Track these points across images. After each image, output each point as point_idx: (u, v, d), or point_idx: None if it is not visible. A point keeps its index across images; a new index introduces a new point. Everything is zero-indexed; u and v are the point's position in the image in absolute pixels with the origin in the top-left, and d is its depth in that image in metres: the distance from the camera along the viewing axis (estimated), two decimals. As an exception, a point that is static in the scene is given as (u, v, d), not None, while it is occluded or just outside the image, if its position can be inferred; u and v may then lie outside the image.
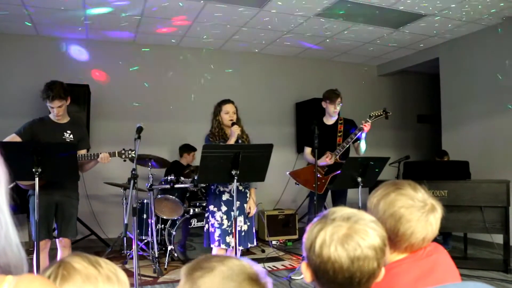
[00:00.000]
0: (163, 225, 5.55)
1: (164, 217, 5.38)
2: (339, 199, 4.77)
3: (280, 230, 6.84)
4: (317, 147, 4.23)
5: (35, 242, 3.19)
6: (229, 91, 6.69)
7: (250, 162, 3.36)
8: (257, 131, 6.93)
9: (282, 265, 5.30)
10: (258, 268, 1.07)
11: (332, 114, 4.79)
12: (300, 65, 7.74)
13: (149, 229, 5.15)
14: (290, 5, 5.25)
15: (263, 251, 6.07)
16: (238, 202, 3.68)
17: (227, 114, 3.81)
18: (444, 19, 5.71)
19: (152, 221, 5.00)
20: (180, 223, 5.31)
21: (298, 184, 4.97)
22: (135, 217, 3.77)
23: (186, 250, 5.61)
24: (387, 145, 7.88)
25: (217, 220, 3.70)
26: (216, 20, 5.77)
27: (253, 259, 4.19)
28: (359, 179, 4.00)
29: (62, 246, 3.69)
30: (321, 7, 5.30)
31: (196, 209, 5.31)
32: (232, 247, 3.63)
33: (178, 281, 1.10)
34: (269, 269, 5.10)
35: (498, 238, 4.97)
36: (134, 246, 3.56)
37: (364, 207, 1.50)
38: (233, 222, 3.47)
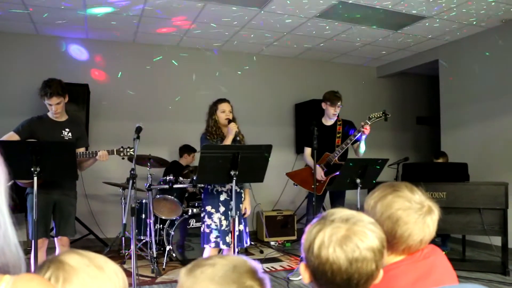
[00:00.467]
0: (161, 225, 5.54)
1: (163, 217, 5.38)
2: (338, 200, 4.77)
3: (278, 231, 6.84)
4: (316, 148, 4.23)
5: (33, 241, 3.18)
6: (229, 91, 6.70)
7: (249, 163, 3.36)
8: (256, 131, 6.97)
9: (281, 266, 5.30)
10: (257, 264, 1.08)
11: (331, 116, 4.79)
12: (299, 66, 7.74)
13: (148, 229, 5.15)
14: (290, 6, 5.25)
15: (261, 251, 6.07)
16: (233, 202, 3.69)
17: (223, 113, 3.81)
18: (444, 21, 5.71)
19: (151, 221, 5.00)
20: (179, 223, 5.31)
21: (296, 185, 4.98)
22: (133, 217, 3.77)
23: (185, 251, 5.61)
24: (386, 147, 7.89)
25: (214, 222, 3.68)
26: (216, 21, 5.77)
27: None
28: (358, 181, 4.01)
29: (61, 245, 3.69)
30: (321, 8, 5.30)
31: (195, 210, 5.31)
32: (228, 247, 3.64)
33: (176, 281, 1.10)
34: (268, 270, 5.10)
35: (497, 240, 4.97)
36: (132, 246, 3.56)
37: (362, 209, 1.50)
38: (232, 222, 3.47)
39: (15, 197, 1.07)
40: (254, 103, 7.39)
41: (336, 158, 4.63)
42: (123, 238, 5.58)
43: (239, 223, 3.73)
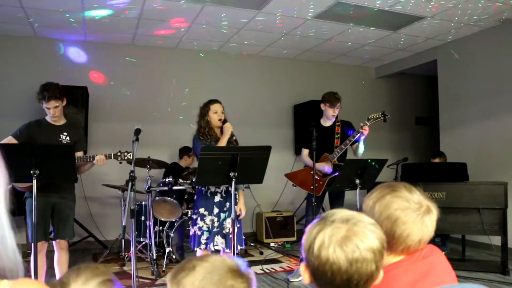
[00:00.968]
0: (161, 227, 5.54)
1: (162, 219, 5.37)
2: (337, 201, 4.77)
3: (278, 232, 6.84)
4: (315, 149, 4.23)
5: (32, 244, 3.18)
6: (228, 93, 6.71)
7: (249, 164, 3.36)
8: (255, 133, 6.98)
9: (280, 267, 5.30)
10: (239, 261, 1.09)
11: (330, 117, 4.79)
12: (298, 67, 7.75)
13: (147, 231, 5.14)
14: (288, 7, 5.26)
15: (261, 253, 6.07)
16: (228, 204, 3.68)
17: (216, 113, 3.77)
18: (442, 21, 5.72)
19: (150, 223, 4.99)
20: (178, 225, 5.31)
21: (295, 186, 4.97)
22: (133, 219, 3.77)
23: (184, 252, 5.61)
24: (385, 147, 7.89)
25: (206, 224, 3.65)
26: (214, 22, 5.77)
27: (251, 261, 4.21)
28: (357, 181, 4.01)
29: (59, 248, 3.68)
30: (319, 9, 5.31)
31: (194, 211, 5.30)
32: (222, 248, 3.63)
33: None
34: (268, 271, 5.10)
35: (496, 240, 4.98)
36: (132, 248, 3.56)
37: (362, 209, 1.50)
38: (232, 223, 3.46)
39: (14, 201, 1.07)
40: (253, 104, 7.39)
41: (335, 159, 4.63)
42: (123, 240, 5.57)
43: (235, 225, 3.72)
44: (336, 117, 4.84)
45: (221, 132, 3.81)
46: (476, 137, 6.27)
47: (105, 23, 5.71)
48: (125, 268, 5.12)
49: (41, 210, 3.38)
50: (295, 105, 7.70)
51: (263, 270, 5.13)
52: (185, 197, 5.76)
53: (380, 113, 4.61)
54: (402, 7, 5.23)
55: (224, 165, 3.30)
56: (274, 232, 6.78)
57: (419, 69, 7.63)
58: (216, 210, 3.68)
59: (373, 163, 4.06)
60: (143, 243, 5.45)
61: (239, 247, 3.76)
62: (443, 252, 1.54)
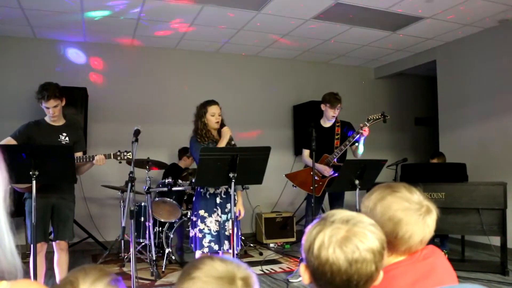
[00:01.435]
0: (160, 228, 5.53)
1: (162, 220, 5.37)
2: (337, 202, 4.77)
3: (277, 232, 6.84)
4: (314, 150, 4.23)
5: (32, 245, 3.17)
6: (227, 93, 6.71)
7: (248, 165, 3.36)
8: (254, 133, 6.98)
9: (280, 267, 5.30)
10: (236, 265, 1.08)
11: (330, 118, 4.79)
12: (297, 68, 7.75)
13: (147, 232, 5.14)
14: (287, 8, 5.26)
15: (261, 253, 6.07)
16: (228, 205, 3.67)
17: (213, 116, 3.74)
18: (441, 22, 5.73)
19: (150, 224, 4.99)
20: (178, 226, 5.31)
21: (295, 187, 4.97)
22: (132, 220, 3.76)
23: (184, 253, 5.62)
24: (385, 148, 7.89)
25: (207, 226, 3.64)
26: (214, 23, 5.78)
27: (251, 262, 4.21)
28: (357, 182, 4.00)
29: (59, 249, 3.68)
30: (318, 9, 5.31)
31: (194, 212, 5.30)
32: (226, 249, 3.63)
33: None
34: (267, 271, 5.09)
35: (496, 240, 4.98)
36: (131, 249, 3.56)
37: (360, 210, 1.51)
38: (231, 225, 3.46)
39: (13, 202, 1.07)
40: (252, 105, 7.39)
41: (335, 159, 4.63)
42: (122, 241, 5.57)
43: (234, 226, 3.71)
44: (336, 118, 4.84)
45: (219, 133, 3.80)
46: (475, 137, 6.27)
47: (105, 24, 5.71)
48: (124, 269, 5.12)
49: (40, 211, 3.38)
50: (295, 106, 7.71)
51: (262, 270, 5.13)
52: (185, 198, 5.76)
53: (380, 114, 4.61)
54: (402, 8, 5.23)
55: (223, 166, 3.30)
56: (273, 233, 6.78)
57: (418, 69, 7.63)
58: (216, 212, 3.67)
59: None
60: (143, 244, 5.44)
61: (238, 248, 3.76)
62: (444, 252, 1.54)
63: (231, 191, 3.40)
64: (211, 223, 3.65)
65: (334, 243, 1.11)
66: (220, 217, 3.67)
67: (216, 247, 3.62)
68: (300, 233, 6.59)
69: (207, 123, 3.76)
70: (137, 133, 3.53)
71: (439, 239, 5.89)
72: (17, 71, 6.12)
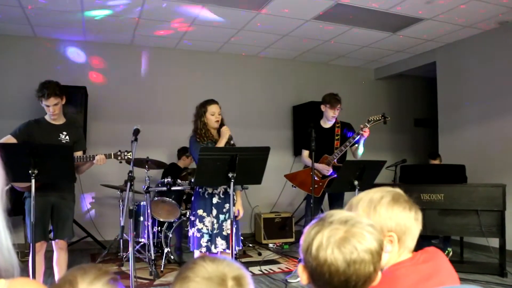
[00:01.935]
0: (159, 228, 5.53)
1: (161, 220, 5.37)
2: (336, 202, 4.77)
3: (276, 233, 6.84)
4: (314, 150, 4.24)
5: (31, 244, 3.17)
6: (227, 94, 6.72)
7: (247, 165, 3.36)
8: (254, 134, 6.99)
9: (279, 268, 5.30)
10: (229, 265, 1.08)
11: (330, 119, 4.80)
12: (297, 68, 7.75)
13: (146, 232, 5.14)
14: (287, 8, 5.26)
15: (259, 254, 6.07)
16: (227, 205, 3.67)
17: (213, 115, 3.74)
18: (441, 23, 5.73)
19: (149, 224, 4.99)
20: (177, 226, 5.30)
21: (294, 187, 4.98)
22: (131, 219, 3.76)
23: (183, 253, 5.62)
24: (384, 149, 7.89)
25: (206, 226, 3.64)
26: (214, 23, 5.78)
27: (250, 262, 4.20)
28: (356, 182, 4.01)
29: (58, 248, 3.68)
30: (318, 10, 5.31)
31: (193, 212, 5.30)
32: (224, 250, 3.63)
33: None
34: (266, 272, 5.09)
35: (494, 242, 4.98)
36: (130, 248, 3.56)
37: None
38: (231, 224, 3.46)
39: (9, 200, 1.07)
40: (252, 105, 7.40)
41: (335, 160, 4.63)
42: (121, 240, 5.57)
43: (232, 226, 3.71)
44: (336, 119, 4.84)
45: (218, 133, 3.80)
46: (474, 139, 6.28)
47: (105, 23, 5.71)
48: (123, 268, 5.12)
49: (40, 210, 3.38)
50: (294, 106, 7.71)
51: (261, 271, 5.13)
52: (184, 198, 5.77)
53: (380, 115, 4.61)
54: (402, 9, 5.23)
55: (222, 165, 3.30)
56: (272, 233, 6.78)
57: (418, 71, 7.64)
58: (214, 212, 3.67)
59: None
60: (142, 243, 5.44)
61: (237, 248, 3.76)
62: (445, 253, 1.55)
63: (230, 191, 3.40)
64: (209, 223, 3.65)
65: (333, 243, 1.11)
66: (216, 217, 3.67)
67: (212, 247, 3.62)
68: (299, 234, 6.58)
69: (207, 122, 3.76)
70: (136, 132, 3.53)
71: (438, 240, 5.91)
72: (17, 70, 6.12)
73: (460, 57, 6.52)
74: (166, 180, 5.22)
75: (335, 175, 4.44)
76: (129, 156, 3.71)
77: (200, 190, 3.73)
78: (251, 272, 5.02)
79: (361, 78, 8.24)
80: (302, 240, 1.19)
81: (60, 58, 6.36)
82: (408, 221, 1.44)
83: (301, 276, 1.20)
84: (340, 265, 1.09)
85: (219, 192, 3.71)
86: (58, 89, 3.58)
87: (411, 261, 1.42)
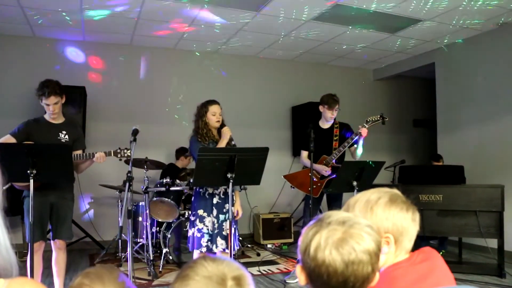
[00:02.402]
0: (158, 228, 5.53)
1: (160, 220, 5.36)
2: (335, 203, 4.78)
3: (275, 233, 6.83)
4: (313, 151, 4.24)
5: (29, 244, 3.17)
6: (226, 94, 6.72)
7: (246, 165, 3.36)
8: (253, 134, 6.98)
9: (277, 268, 5.30)
10: (228, 264, 1.08)
11: (328, 119, 4.81)
12: (296, 69, 7.76)
13: (144, 232, 5.14)
14: (286, 9, 5.26)
15: (258, 254, 6.07)
16: (227, 205, 3.67)
17: (214, 115, 3.74)
18: (440, 24, 5.74)
19: (147, 224, 4.98)
20: (175, 226, 5.30)
21: (293, 187, 4.98)
22: (130, 220, 3.77)
23: (181, 253, 5.61)
24: (383, 149, 7.90)
25: (206, 226, 3.65)
26: (213, 24, 5.78)
27: (248, 263, 4.20)
28: (355, 183, 4.01)
29: (57, 248, 3.67)
30: (317, 11, 5.32)
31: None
32: (223, 249, 3.63)
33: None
34: (264, 272, 5.09)
35: (493, 243, 4.99)
36: (129, 249, 3.56)
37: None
38: (229, 225, 3.46)
39: (6, 199, 1.07)
40: (250, 106, 7.40)
41: (334, 160, 4.64)
42: (120, 240, 5.56)
43: (231, 226, 3.72)
44: (335, 119, 4.85)
45: (219, 133, 3.80)
46: (473, 140, 6.28)
47: (104, 23, 5.71)
48: (121, 268, 5.11)
49: (39, 209, 3.38)
50: (293, 107, 7.71)
51: (260, 271, 5.13)
52: (183, 198, 5.76)
53: (379, 116, 4.63)
54: (400, 10, 5.24)
55: (221, 166, 3.30)
56: (271, 234, 6.78)
57: (417, 71, 7.64)
58: (215, 212, 3.67)
59: (370, 162, 4.07)
60: (140, 243, 5.44)
61: (235, 248, 3.76)
62: (440, 253, 1.55)
63: (229, 191, 3.40)
64: (210, 223, 3.66)
65: (331, 244, 1.11)
66: (216, 217, 3.67)
67: (214, 247, 3.62)
68: (298, 234, 6.57)
69: (208, 122, 3.76)
70: (135, 132, 3.53)
71: (437, 241, 5.91)
72: (16, 69, 6.11)
73: (459, 58, 6.52)
74: (165, 180, 5.22)
75: (334, 176, 4.44)
76: (129, 154, 3.71)
77: (200, 190, 3.73)
78: (250, 272, 5.02)
79: (360, 79, 8.25)
80: (300, 241, 1.19)
81: (59, 58, 6.36)
82: (405, 222, 1.43)
83: (299, 276, 1.20)
84: (338, 266, 1.09)
85: (219, 192, 3.71)
86: (58, 88, 3.58)
87: (408, 262, 1.43)
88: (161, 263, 5.11)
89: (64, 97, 3.70)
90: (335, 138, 4.78)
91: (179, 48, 6.94)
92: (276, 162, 6.60)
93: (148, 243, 4.99)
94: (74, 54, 6.46)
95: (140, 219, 5.42)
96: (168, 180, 5.21)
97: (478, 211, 4.79)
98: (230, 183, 3.33)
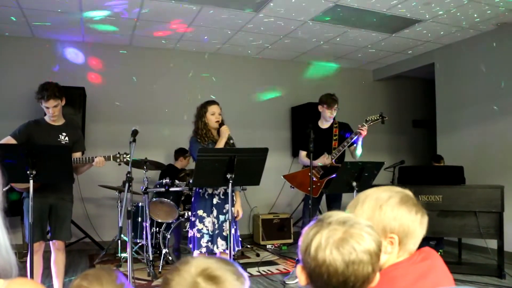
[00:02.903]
0: (157, 228, 5.53)
1: (159, 220, 5.36)
2: (334, 203, 4.78)
3: (275, 234, 6.83)
4: (312, 151, 4.24)
5: (29, 244, 3.17)
6: (225, 95, 6.71)
7: (246, 166, 3.36)
8: (252, 135, 6.99)
9: (277, 269, 5.30)
10: (215, 262, 1.08)
11: (327, 119, 4.81)
12: (296, 69, 7.76)
13: (144, 232, 5.14)
14: (286, 10, 5.26)
15: (257, 255, 6.06)
16: (227, 206, 3.67)
17: (213, 115, 3.75)
18: (439, 24, 5.74)
19: (147, 224, 4.98)
20: (175, 227, 5.30)
21: (293, 188, 4.98)
22: (129, 220, 3.76)
23: (181, 254, 5.60)
24: (382, 150, 7.90)
25: (206, 226, 3.65)
26: (212, 24, 5.78)
27: (248, 263, 4.19)
28: (354, 183, 4.01)
29: (56, 249, 3.67)
30: (317, 11, 5.32)
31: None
32: (224, 250, 3.63)
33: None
34: (264, 273, 5.09)
35: (492, 243, 4.99)
36: (128, 249, 3.55)
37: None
38: (229, 225, 3.46)
39: (6, 200, 1.07)
40: (250, 106, 7.39)
41: (333, 160, 4.64)
42: (119, 241, 5.56)
43: (231, 226, 3.71)
44: (334, 119, 4.85)
45: (219, 133, 3.80)
46: (473, 140, 6.28)
47: (103, 24, 5.70)
48: (121, 269, 5.10)
49: (38, 210, 3.38)
50: (293, 107, 7.71)
51: (259, 272, 5.13)
52: (182, 199, 5.76)
53: (378, 115, 4.64)
54: (400, 10, 5.24)
55: (221, 166, 3.30)
56: (271, 234, 6.78)
57: (416, 72, 7.65)
58: (215, 212, 3.67)
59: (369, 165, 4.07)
60: (140, 244, 5.44)
61: (236, 249, 3.76)
62: (438, 253, 1.56)
63: (229, 191, 3.40)
64: (209, 223, 3.65)
65: (331, 244, 1.11)
66: (216, 218, 3.67)
67: (214, 247, 3.62)
68: (298, 235, 6.57)
69: (207, 122, 3.77)
70: (135, 133, 3.53)
71: (436, 240, 5.91)
72: (15, 70, 6.11)
73: (458, 58, 6.53)
74: (164, 181, 5.22)
75: (334, 176, 4.44)
76: (128, 159, 3.71)
77: (200, 190, 3.74)
78: (249, 273, 5.03)
79: (360, 79, 8.25)
80: (300, 241, 1.19)
81: (59, 59, 6.35)
82: (413, 224, 1.43)
83: (300, 277, 1.20)
84: (339, 266, 1.09)
85: (219, 192, 3.71)
86: (57, 90, 3.58)
87: (409, 262, 1.42)
88: (161, 264, 5.10)
89: (64, 99, 3.70)
90: (334, 138, 4.78)
91: (178, 49, 6.94)
92: (276, 162, 6.59)
93: (147, 244, 4.99)
94: (74, 55, 6.46)
95: (140, 219, 5.42)
96: (168, 180, 5.21)
97: (478, 212, 4.79)
98: (230, 184, 3.33)
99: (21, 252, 5.24)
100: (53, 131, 3.68)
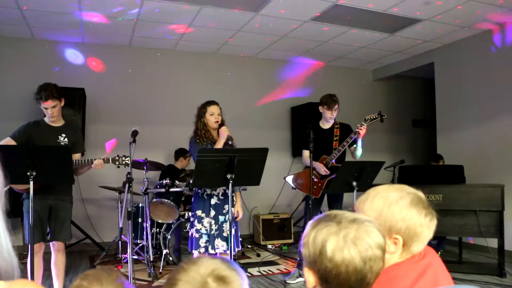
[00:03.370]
0: (158, 229, 5.53)
1: (159, 221, 5.36)
2: (335, 203, 4.77)
3: (275, 234, 6.84)
4: (312, 151, 4.24)
5: (29, 246, 3.17)
6: (225, 95, 6.70)
7: (246, 166, 3.36)
8: (252, 135, 6.98)
9: (278, 269, 5.30)
10: (216, 263, 1.07)
11: (328, 120, 4.81)
12: (295, 69, 7.75)
13: (144, 233, 5.14)
14: (285, 9, 5.26)
15: (258, 255, 6.06)
16: (227, 206, 3.67)
17: (212, 115, 3.75)
18: (439, 24, 5.74)
19: (147, 225, 4.98)
20: (175, 227, 5.30)
21: (294, 189, 4.97)
22: (130, 221, 3.76)
23: (181, 254, 5.60)
24: (382, 150, 7.89)
25: (204, 226, 3.65)
26: (212, 24, 5.78)
27: (248, 263, 4.19)
28: (354, 183, 4.01)
29: (56, 250, 3.67)
30: (316, 11, 5.32)
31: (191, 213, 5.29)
32: (223, 251, 3.62)
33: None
34: (265, 273, 5.09)
35: (493, 242, 4.99)
36: (129, 250, 3.56)
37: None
38: (229, 225, 3.46)
39: (8, 201, 1.07)
40: (250, 107, 7.39)
41: (333, 160, 4.64)
42: (120, 242, 5.57)
43: (231, 226, 3.71)
44: (335, 120, 4.85)
45: (218, 134, 3.80)
46: (473, 139, 6.28)
47: (103, 25, 5.71)
48: (122, 270, 5.10)
49: (38, 211, 3.38)
50: (292, 107, 7.71)
51: (260, 272, 5.13)
52: (182, 199, 5.76)
53: (377, 114, 4.64)
54: (400, 10, 5.24)
55: (221, 167, 3.30)
56: (271, 234, 6.78)
57: (416, 71, 7.65)
58: (213, 213, 3.67)
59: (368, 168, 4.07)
60: (140, 245, 5.43)
61: (236, 249, 3.76)
62: (438, 253, 1.56)
63: (229, 192, 3.40)
64: (208, 224, 3.66)
65: (349, 243, 1.13)
66: (214, 218, 3.67)
67: (209, 247, 3.62)
68: (298, 235, 6.58)
69: (206, 123, 3.78)
70: (135, 134, 3.54)
71: (437, 240, 5.91)
72: (15, 71, 6.11)
73: (458, 57, 6.52)
74: (164, 181, 5.22)
75: (334, 176, 4.44)
76: (127, 161, 3.70)
77: (199, 191, 3.74)
78: (249, 273, 5.03)
79: (359, 79, 8.25)
80: (309, 245, 1.18)
81: (59, 60, 6.35)
82: (420, 227, 1.41)
83: (308, 279, 1.19)
84: (357, 264, 1.12)
85: (218, 193, 3.71)
86: (55, 91, 3.57)
87: (410, 262, 1.43)
88: (161, 264, 5.11)
89: (63, 100, 3.69)
90: (335, 139, 4.78)
91: (178, 49, 6.94)
92: (276, 162, 6.60)
93: (148, 244, 4.99)
94: (73, 55, 6.46)
95: (140, 220, 5.41)
96: (168, 181, 5.21)
97: (478, 211, 4.79)
98: (230, 184, 3.33)
99: (22, 253, 5.23)
100: (53, 132, 3.68)
